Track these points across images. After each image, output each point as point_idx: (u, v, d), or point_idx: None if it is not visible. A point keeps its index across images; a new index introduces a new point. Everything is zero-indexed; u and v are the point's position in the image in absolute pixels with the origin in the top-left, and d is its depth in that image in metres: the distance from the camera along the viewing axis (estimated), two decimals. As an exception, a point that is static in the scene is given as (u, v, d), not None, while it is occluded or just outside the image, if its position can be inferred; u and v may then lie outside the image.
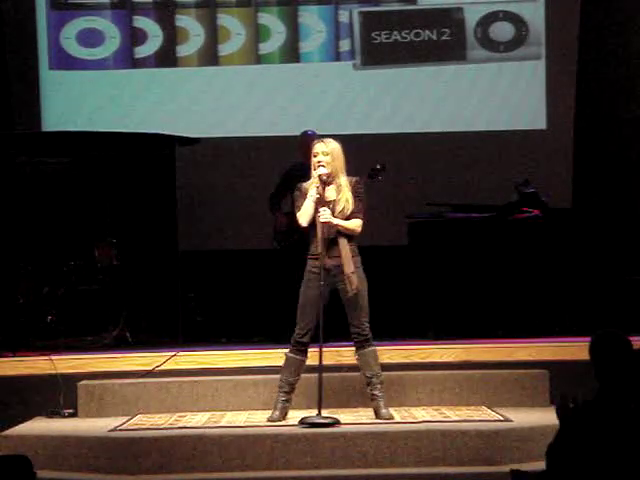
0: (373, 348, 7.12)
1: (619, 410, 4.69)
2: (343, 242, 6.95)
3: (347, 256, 6.92)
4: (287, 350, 7.13)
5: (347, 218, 6.96)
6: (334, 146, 6.96)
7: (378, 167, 8.37)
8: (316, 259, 6.96)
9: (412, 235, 9.56)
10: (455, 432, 6.92)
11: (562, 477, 5.00)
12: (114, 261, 9.35)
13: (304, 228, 7.00)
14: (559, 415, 5.08)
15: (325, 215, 6.81)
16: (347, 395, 7.48)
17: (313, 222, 6.93)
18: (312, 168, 6.96)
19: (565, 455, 4.96)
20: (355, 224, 6.99)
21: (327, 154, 6.91)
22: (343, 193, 6.94)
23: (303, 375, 7.13)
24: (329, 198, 6.90)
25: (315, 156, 6.93)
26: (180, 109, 10.34)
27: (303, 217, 6.93)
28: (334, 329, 7.33)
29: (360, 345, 7.09)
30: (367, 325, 7.07)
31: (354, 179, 7.04)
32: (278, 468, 6.69)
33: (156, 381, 7.96)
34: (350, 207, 6.94)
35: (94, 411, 7.75)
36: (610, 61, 10.45)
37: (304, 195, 6.94)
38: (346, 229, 6.94)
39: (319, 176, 6.85)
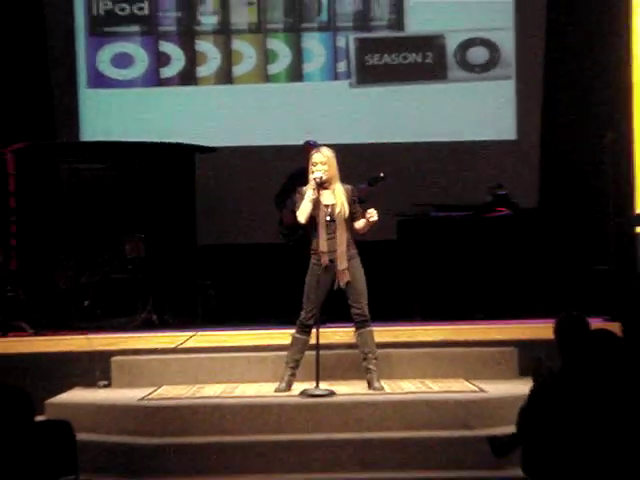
0: (371, 328, 7.14)
1: (580, 382, 4.68)
2: (341, 240, 6.98)
3: (342, 253, 6.95)
4: (293, 331, 7.14)
5: (347, 220, 7.01)
6: (329, 154, 7.03)
7: (381, 175, 8.38)
8: (316, 254, 7.00)
9: (400, 231, 9.63)
10: (437, 401, 6.97)
11: (530, 438, 4.99)
12: (142, 253, 9.37)
13: (304, 225, 7.04)
14: (534, 377, 5.09)
15: (373, 215, 6.89)
16: (343, 369, 7.45)
17: (314, 221, 6.96)
18: (309, 172, 6.99)
19: (533, 419, 4.96)
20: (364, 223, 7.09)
21: (324, 163, 6.97)
22: (339, 197, 6.99)
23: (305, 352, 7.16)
24: (327, 202, 6.94)
25: (314, 165, 6.98)
26: (199, 122, 10.35)
27: (301, 215, 6.98)
28: (334, 312, 7.32)
29: (360, 325, 7.11)
30: (366, 308, 7.08)
31: (350, 187, 7.07)
32: (284, 432, 6.72)
33: (178, 357, 7.97)
34: (346, 210, 6.96)
35: (125, 383, 7.75)
36: (573, 80, 10.48)
37: (303, 197, 6.98)
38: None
39: (314, 179, 6.89)
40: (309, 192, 6.94)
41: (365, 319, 7.05)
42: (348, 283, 6.97)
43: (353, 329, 7.15)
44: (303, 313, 7.03)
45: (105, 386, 7.74)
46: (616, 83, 10.48)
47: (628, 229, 9.91)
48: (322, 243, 6.92)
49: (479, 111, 10.52)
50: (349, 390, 7.14)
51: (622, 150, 10.31)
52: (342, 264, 6.94)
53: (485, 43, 10.61)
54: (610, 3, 10.47)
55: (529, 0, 10.57)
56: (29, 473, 4.13)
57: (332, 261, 6.93)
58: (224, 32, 10.69)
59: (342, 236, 6.94)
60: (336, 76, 10.67)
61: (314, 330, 6.97)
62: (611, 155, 10.15)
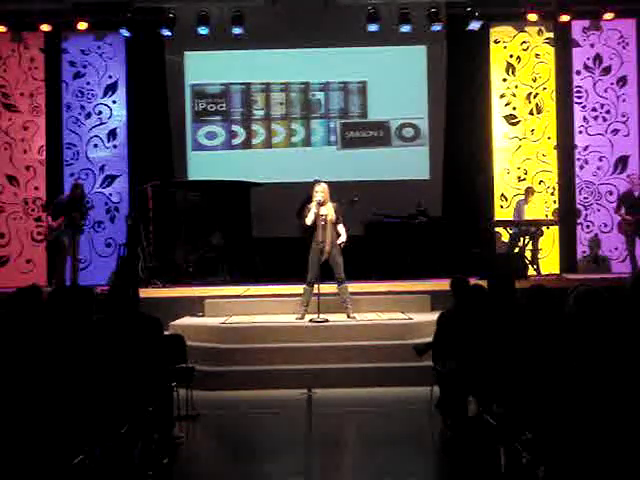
0: (346, 285, 7.27)
1: (464, 313, 4.71)
2: (332, 234, 7.09)
3: (332, 242, 7.08)
4: (304, 286, 7.24)
5: (334, 223, 7.05)
6: (325, 186, 7.17)
7: (355, 199, 8.41)
8: (316, 241, 7.09)
9: (366, 229, 9.61)
10: (385, 324, 7.10)
11: (437, 345, 5.02)
12: (221, 243, 9.39)
13: (309, 226, 7.11)
14: (438, 319, 5.10)
15: (343, 239, 7.10)
16: (333, 307, 7.40)
17: (315, 224, 7.07)
18: (314, 196, 7.05)
19: (440, 335, 4.99)
20: (344, 230, 7.15)
21: (322, 191, 7.06)
22: (329, 211, 7.15)
23: (312, 298, 7.18)
24: (322, 213, 7.07)
25: (316, 192, 7.06)
26: (253, 169, 10.23)
27: (308, 220, 7.14)
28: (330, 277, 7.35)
29: (340, 283, 7.23)
30: (343, 274, 7.16)
31: (336, 205, 7.21)
32: (300, 342, 6.82)
33: (241, 300, 8.03)
34: (333, 218, 7.10)
35: (212, 314, 7.84)
36: (459, 146, 10.32)
37: (310, 210, 7.08)
38: (346, 237, 7.12)
39: (317, 201, 6.96)
40: (313, 208, 7.03)
41: (342, 280, 7.17)
42: (334, 260, 7.05)
43: (335, 285, 7.23)
44: (308, 276, 7.14)
45: (201, 316, 7.85)
46: (484, 145, 10.44)
47: (490, 229, 9.90)
48: (320, 235, 7.02)
49: (408, 163, 10.41)
50: (336, 318, 7.21)
51: (488, 185, 10.33)
52: (332, 247, 7.06)
53: (412, 126, 10.50)
54: (480, 96, 10.42)
55: (436, 101, 10.40)
56: (161, 361, 4.18)
57: (325, 246, 7.02)
58: (267, 119, 10.59)
59: (331, 232, 7.08)
60: (329, 143, 10.57)
61: (316, 285, 7.06)
62: (483, 188, 10.19)
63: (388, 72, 10.37)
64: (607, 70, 10.37)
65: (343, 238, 7.08)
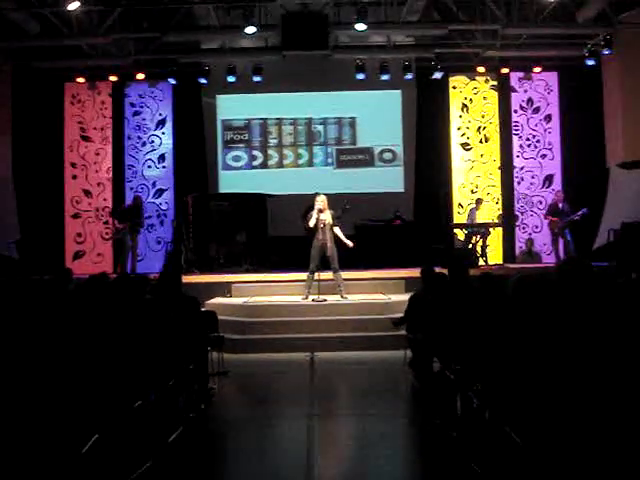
0: (340, 273, 7.20)
1: (429, 294, 4.69)
2: (330, 235, 7.02)
3: (330, 240, 6.99)
4: (307, 274, 7.18)
5: (331, 225, 6.98)
6: (324, 197, 7.11)
7: (347, 207, 8.36)
8: (317, 239, 7.01)
9: (356, 230, 9.47)
10: (371, 303, 7.08)
11: (409, 319, 5.01)
12: (244, 240, 9.37)
13: (311, 228, 7.04)
14: (410, 298, 5.08)
15: (348, 244, 7.06)
16: (330, 290, 7.26)
17: (316, 226, 6.99)
18: (315, 205, 7.01)
19: (411, 310, 4.97)
20: (340, 232, 7.10)
21: (322, 201, 7.00)
22: (327, 216, 7.07)
23: (313, 283, 7.12)
24: (322, 218, 7.00)
25: (317, 202, 7.02)
26: (268, 184, 10.20)
27: (311, 223, 7.06)
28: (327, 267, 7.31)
29: (334, 272, 7.16)
30: (337, 264, 7.10)
31: (332, 211, 7.16)
32: (304, 316, 6.79)
33: (260, 285, 7.99)
34: (331, 222, 7.04)
35: (244, 295, 7.79)
36: (429, 167, 10.38)
37: (312, 216, 7.00)
38: (342, 236, 7.08)
39: (317, 208, 6.93)
40: (315, 214, 7.00)
41: (336, 269, 7.10)
42: (331, 254, 6.99)
43: (331, 273, 7.16)
44: (310, 266, 7.09)
45: (229, 296, 7.82)
46: (445, 166, 10.45)
47: (449, 230, 9.84)
48: (320, 235, 6.99)
49: (388, 179, 10.37)
50: (332, 299, 7.17)
51: (447, 197, 10.23)
52: (329, 244, 6.98)
53: (390, 151, 10.48)
54: (442, 128, 10.43)
55: (409, 132, 10.42)
56: (198, 331, 4.18)
57: (324, 243, 6.97)
58: (279, 145, 10.56)
59: (329, 233, 7.02)
60: (327, 164, 10.55)
61: (316, 273, 7.03)
62: (444, 199, 10.16)
63: (372, 110, 10.44)
64: (537, 110, 10.56)
65: (348, 241, 7.00)
